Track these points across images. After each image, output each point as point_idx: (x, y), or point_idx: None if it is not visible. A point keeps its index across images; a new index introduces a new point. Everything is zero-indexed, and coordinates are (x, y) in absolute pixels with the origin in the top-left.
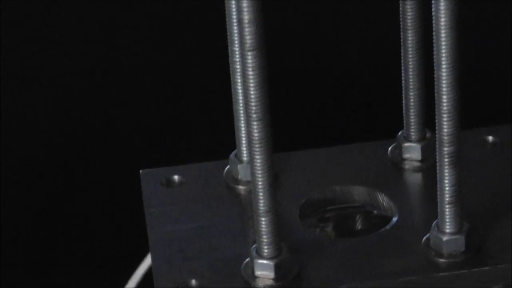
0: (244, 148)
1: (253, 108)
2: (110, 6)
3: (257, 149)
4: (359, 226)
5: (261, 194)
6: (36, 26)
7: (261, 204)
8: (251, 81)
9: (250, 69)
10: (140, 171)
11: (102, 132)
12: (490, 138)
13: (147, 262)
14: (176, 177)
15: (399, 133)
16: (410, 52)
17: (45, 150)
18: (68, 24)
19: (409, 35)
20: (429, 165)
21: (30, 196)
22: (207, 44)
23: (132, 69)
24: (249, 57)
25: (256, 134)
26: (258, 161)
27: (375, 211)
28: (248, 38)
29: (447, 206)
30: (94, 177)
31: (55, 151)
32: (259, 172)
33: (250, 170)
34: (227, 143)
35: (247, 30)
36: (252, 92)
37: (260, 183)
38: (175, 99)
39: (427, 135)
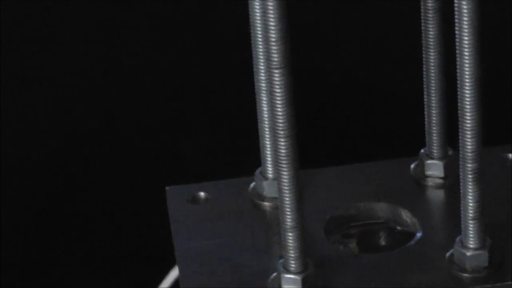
0: (269, 165)
1: (281, 125)
2: (110, 6)
3: (285, 166)
4: (382, 242)
5: (288, 209)
6: (36, 26)
7: (288, 220)
8: (278, 98)
9: (278, 87)
10: (166, 188)
11: (102, 131)
12: (511, 156)
13: (171, 276)
14: (202, 194)
15: (421, 151)
16: (432, 71)
17: (45, 150)
18: (68, 24)
19: (431, 53)
20: (451, 182)
21: (30, 196)
22: (207, 44)
23: (132, 69)
24: (276, 75)
25: (283, 151)
26: (286, 177)
27: (398, 227)
28: (276, 57)
29: (470, 222)
30: (94, 177)
31: (55, 151)
32: (286, 188)
33: (278, 186)
34: (227, 142)
35: (275, 48)
36: (279, 110)
37: (287, 199)
38: (175, 99)
39: (449, 152)
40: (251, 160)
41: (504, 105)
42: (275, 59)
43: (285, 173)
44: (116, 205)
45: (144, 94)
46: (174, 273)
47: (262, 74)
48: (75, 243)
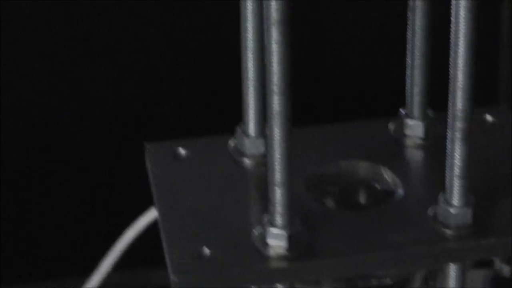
0: (252, 123)
1: (275, 82)
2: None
3: (277, 122)
4: (362, 200)
5: (278, 165)
6: (36, 26)
7: (278, 176)
8: (275, 55)
9: (274, 42)
10: (146, 145)
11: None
12: (489, 117)
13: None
14: (182, 151)
15: (401, 111)
16: (417, 31)
17: (41, 146)
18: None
19: (417, 13)
20: (430, 143)
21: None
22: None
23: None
24: (274, 31)
25: (277, 108)
26: (277, 134)
27: (378, 186)
28: (274, 12)
29: (456, 180)
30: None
31: (51, 147)
32: (278, 144)
33: (268, 142)
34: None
35: (274, 3)
36: (275, 67)
37: (278, 155)
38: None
39: (429, 113)
40: (230, 118)
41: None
42: (273, 14)
43: (277, 129)
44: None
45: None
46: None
47: (250, 33)
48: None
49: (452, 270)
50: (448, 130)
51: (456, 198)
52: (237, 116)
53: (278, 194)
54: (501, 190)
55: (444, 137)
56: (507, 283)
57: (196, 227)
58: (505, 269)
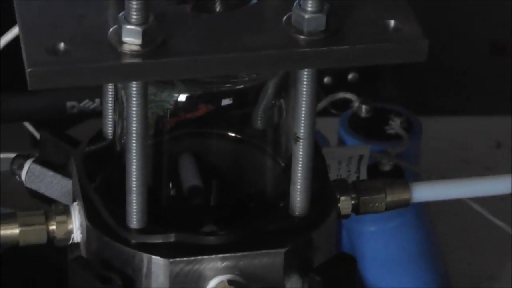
0: None
1: None
2: None
3: None
4: (218, 7)
5: None
6: None
7: None
8: None
9: None
10: None
11: None
12: None
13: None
14: None
15: None
16: None
17: None
18: None
19: None
20: None
21: None
22: None
23: None
24: None
25: None
26: None
27: None
28: None
29: None
30: None
31: None
32: None
33: None
34: None
35: None
36: None
37: None
38: None
39: None
40: None
41: None
42: None
43: None
44: None
45: None
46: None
47: None
48: None
49: (304, 77)
50: None
51: (310, 3)
52: None
53: None
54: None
55: None
56: (363, 122)
57: (53, 24)
58: (363, 110)
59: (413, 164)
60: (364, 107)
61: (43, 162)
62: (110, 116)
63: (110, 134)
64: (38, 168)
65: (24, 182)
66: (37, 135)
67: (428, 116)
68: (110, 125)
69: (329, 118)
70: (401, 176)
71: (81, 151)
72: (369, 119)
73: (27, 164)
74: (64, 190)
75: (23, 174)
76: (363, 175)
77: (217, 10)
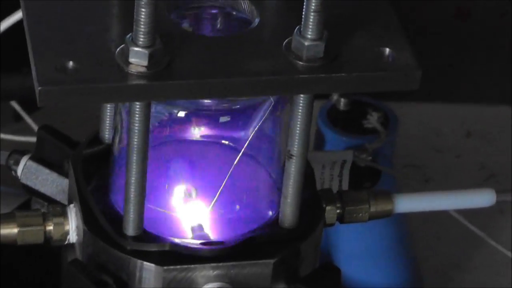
0: None
1: None
2: None
3: None
4: (219, 26)
5: None
6: None
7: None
8: None
9: None
10: None
11: None
12: None
13: None
14: None
15: None
16: None
17: None
18: None
19: None
20: None
21: None
22: None
23: None
24: None
25: None
26: None
27: (235, 13)
28: None
29: (312, 14)
30: None
31: None
32: None
33: None
34: None
35: None
36: None
37: None
38: None
39: None
40: None
41: None
42: None
43: None
44: None
45: None
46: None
47: None
48: None
49: (301, 100)
50: None
51: (310, 31)
52: None
53: (142, 14)
54: (354, 29)
55: None
56: (341, 115)
57: (62, 41)
58: (341, 102)
59: (387, 159)
60: (342, 100)
61: (39, 159)
62: (108, 122)
63: (107, 139)
64: (34, 165)
65: (19, 178)
66: (22, 112)
67: (397, 101)
68: (107, 130)
69: None
70: (377, 172)
71: (79, 153)
72: (348, 112)
73: (23, 161)
74: (59, 188)
75: (19, 170)
76: (346, 180)
77: (218, 28)
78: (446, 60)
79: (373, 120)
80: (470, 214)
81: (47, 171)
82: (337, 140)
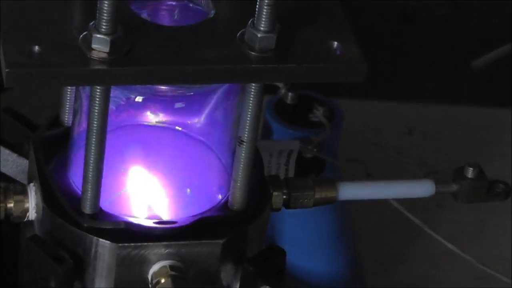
0: None
1: None
2: None
3: None
4: (176, 17)
5: None
6: None
7: None
8: None
9: None
10: None
11: None
12: None
13: None
14: None
15: None
16: None
17: None
18: None
19: None
20: None
21: None
22: None
23: None
24: None
25: None
26: None
27: (191, 4)
28: None
29: (265, 7)
30: None
31: None
32: None
33: None
34: None
35: None
36: None
37: None
38: None
39: None
40: None
41: None
42: None
43: None
44: None
45: None
46: None
47: None
48: None
49: (252, 89)
50: None
51: (263, 23)
52: None
53: (105, 3)
54: (304, 22)
55: None
56: (288, 108)
57: (29, 27)
58: (289, 96)
59: (331, 152)
60: (290, 94)
61: (0, 140)
62: (67, 106)
63: (66, 122)
64: None
65: None
66: None
67: (342, 98)
68: (67, 114)
69: None
70: (322, 163)
71: (39, 135)
72: (294, 106)
73: None
74: (19, 168)
75: None
76: (292, 169)
77: (175, 18)
78: (390, 60)
79: (318, 114)
80: (411, 208)
81: (7, 151)
82: (283, 132)
